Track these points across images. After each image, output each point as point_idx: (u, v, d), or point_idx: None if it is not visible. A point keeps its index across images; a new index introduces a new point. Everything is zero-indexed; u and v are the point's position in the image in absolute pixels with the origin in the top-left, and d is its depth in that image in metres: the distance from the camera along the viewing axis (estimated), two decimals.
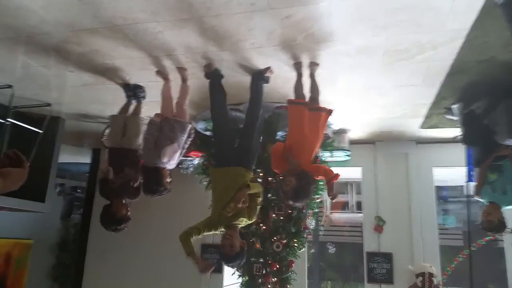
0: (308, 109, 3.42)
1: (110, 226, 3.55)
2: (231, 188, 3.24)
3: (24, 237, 7.55)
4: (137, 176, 3.61)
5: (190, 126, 3.54)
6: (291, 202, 3.32)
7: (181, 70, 3.57)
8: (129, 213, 3.63)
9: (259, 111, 3.61)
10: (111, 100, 4.40)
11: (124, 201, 3.64)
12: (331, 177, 3.22)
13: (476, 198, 3.80)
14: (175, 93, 3.66)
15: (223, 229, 3.28)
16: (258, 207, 3.36)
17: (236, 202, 3.15)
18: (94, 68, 3.69)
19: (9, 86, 4.01)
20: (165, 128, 3.44)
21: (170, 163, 3.43)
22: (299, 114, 3.42)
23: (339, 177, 3.20)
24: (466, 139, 4.03)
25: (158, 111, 3.63)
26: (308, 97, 3.53)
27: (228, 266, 3.80)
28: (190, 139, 3.61)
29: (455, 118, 4.25)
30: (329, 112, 3.55)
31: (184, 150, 3.59)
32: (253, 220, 3.36)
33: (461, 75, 3.57)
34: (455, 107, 4.17)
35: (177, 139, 3.43)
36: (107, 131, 4.80)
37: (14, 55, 3.48)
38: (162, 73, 3.65)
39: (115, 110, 4.18)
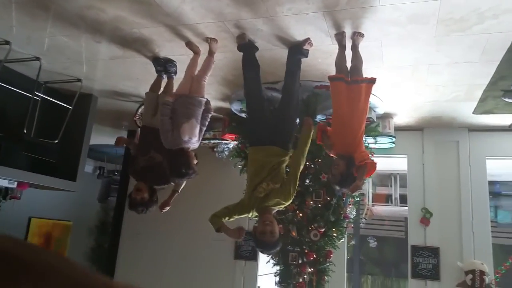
0: (346, 83, 3.09)
1: (130, 207, 3.41)
2: (264, 168, 3.04)
3: (63, 219, 7.67)
4: (163, 162, 3.38)
5: (205, 100, 3.33)
6: (337, 188, 3.12)
7: (212, 41, 3.32)
8: (154, 197, 3.43)
9: (296, 87, 3.34)
10: (142, 76, 4.23)
11: (147, 184, 3.43)
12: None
13: None
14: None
15: (256, 214, 3.07)
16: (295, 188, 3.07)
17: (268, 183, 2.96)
18: (121, 39, 3.50)
19: (37, 58, 3.90)
20: (179, 106, 3.24)
21: (192, 141, 3.22)
22: (337, 90, 3.13)
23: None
24: None
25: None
26: (349, 67, 3.19)
27: (265, 253, 3.58)
28: (209, 114, 3.38)
29: None
30: (371, 81, 3.15)
31: (204, 128, 3.36)
32: (289, 202, 3.09)
33: None
34: None
35: (194, 114, 3.23)
36: (140, 110, 4.69)
37: (38, 23, 3.32)
38: (192, 44, 3.41)
39: (148, 87, 4.00)
